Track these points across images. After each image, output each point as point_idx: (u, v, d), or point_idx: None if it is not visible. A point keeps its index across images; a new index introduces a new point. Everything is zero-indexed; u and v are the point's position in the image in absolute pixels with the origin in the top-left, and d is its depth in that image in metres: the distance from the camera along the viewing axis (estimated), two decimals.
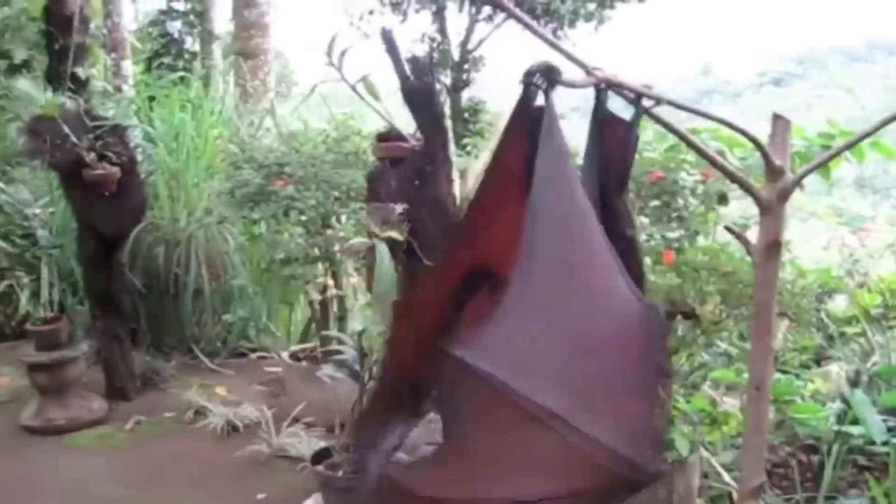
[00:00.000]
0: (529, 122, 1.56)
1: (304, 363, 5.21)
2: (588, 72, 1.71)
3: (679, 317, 3.43)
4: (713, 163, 2.07)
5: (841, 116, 3.88)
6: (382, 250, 3.44)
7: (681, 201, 3.80)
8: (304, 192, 4.81)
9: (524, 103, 1.51)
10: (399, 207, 3.42)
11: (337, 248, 4.61)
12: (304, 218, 4.91)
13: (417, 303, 2.01)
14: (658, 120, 1.87)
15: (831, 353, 4.77)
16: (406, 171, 3.26)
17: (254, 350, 6.55)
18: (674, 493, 3.50)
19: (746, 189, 2.01)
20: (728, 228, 2.13)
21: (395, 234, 3.36)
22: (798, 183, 1.98)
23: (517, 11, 2.01)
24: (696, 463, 3.56)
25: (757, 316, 2.06)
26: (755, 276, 2.03)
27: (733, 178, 2.08)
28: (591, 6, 13.14)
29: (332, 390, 4.65)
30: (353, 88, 3.11)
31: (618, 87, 1.75)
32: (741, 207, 4.22)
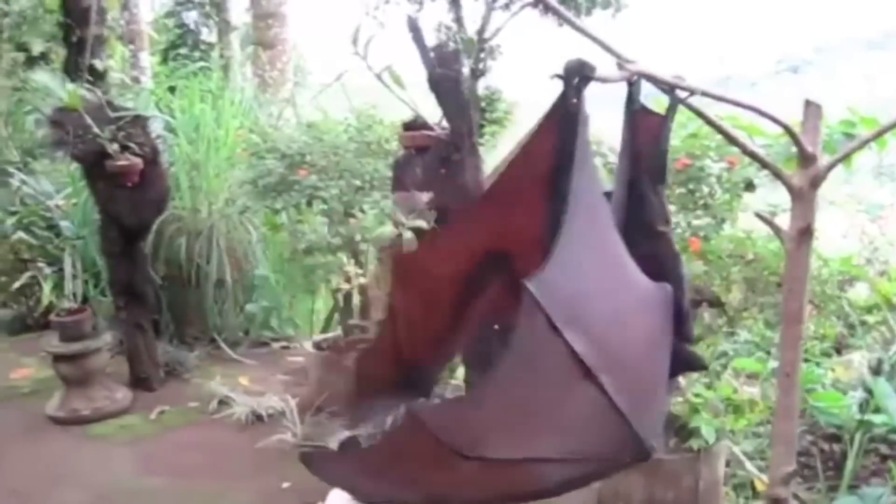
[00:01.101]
0: (561, 115, 1.57)
1: (327, 353, 5.22)
2: (621, 65, 1.71)
3: (704, 305, 3.44)
4: (745, 150, 2.08)
5: (859, 104, 3.85)
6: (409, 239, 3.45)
7: (706, 189, 3.78)
8: (328, 181, 4.82)
9: (564, 99, 1.52)
10: (425, 196, 3.43)
11: (359, 237, 4.61)
12: (326, 207, 4.91)
13: (421, 270, 1.97)
14: (692, 109, 1.88)
15: (852, 341, 4.76)
16: (432, 159, 3.26)
17: (276, 340, 6.59)
18: (700, 481, 3.51)
19: (778, 176, 2.01)
20: (759, 215, 2.14)
21: (421, 223, 3.36)
22: (830, 170, 1.98)
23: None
24: (721, 451, 3.57)
25: (787, 302, 2.07)
26: (786, 263, 2.03)
27: (765, 165, 2.09)
28: None
29: None
30: (379, 77, 3.11)
31: (651, 80, 1.76)
32: (763, 195, 4.20)
